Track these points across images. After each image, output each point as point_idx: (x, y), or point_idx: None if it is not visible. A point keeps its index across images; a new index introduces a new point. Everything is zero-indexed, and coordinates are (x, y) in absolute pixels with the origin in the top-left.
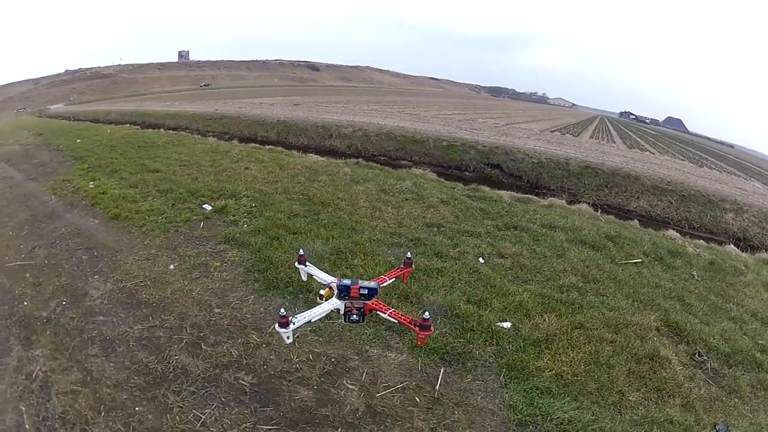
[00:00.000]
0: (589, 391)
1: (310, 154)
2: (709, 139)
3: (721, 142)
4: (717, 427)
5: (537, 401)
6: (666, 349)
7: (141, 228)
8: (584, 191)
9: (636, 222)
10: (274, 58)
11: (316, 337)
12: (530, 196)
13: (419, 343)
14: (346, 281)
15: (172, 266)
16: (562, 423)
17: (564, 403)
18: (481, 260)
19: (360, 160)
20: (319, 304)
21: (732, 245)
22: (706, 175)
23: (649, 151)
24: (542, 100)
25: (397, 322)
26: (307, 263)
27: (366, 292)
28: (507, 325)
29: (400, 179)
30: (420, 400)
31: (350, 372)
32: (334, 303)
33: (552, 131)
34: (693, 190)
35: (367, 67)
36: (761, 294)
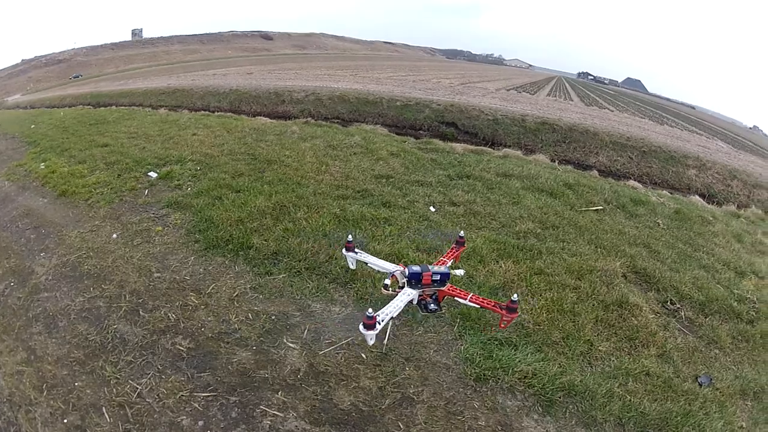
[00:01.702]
0: (554, 341)
1: (260, 117)
2: (669, 99)
3: (682, 103)
4: (699, 380)
5: (496, 353)
6: (635, 296)
7: (87, 201)
8: (541, 146)
9: (595, 173)
10: (228, 30)
11: (255, 295)
12: (484, 148)
13: (502, 326)
14: (416, 268)
15: (114, 235)
16: (525, 376)
17: (526, 355)
18: (432, 209)
19: (309, 119)
20: (390, 295)
21: (697, 196)
22: (667, 132)
23: (608, 109)
24: (498, 61)
25: (479, 307)
26: (357, 250)
27: (438, 278)
28: (460, 272)
29: (350, 135)
30: (366, 357)
31: (291, 329)
32: (409, 293)
33: (508, 90)
34: (654, 146)
35: (322, 33)
36: (732, 244)
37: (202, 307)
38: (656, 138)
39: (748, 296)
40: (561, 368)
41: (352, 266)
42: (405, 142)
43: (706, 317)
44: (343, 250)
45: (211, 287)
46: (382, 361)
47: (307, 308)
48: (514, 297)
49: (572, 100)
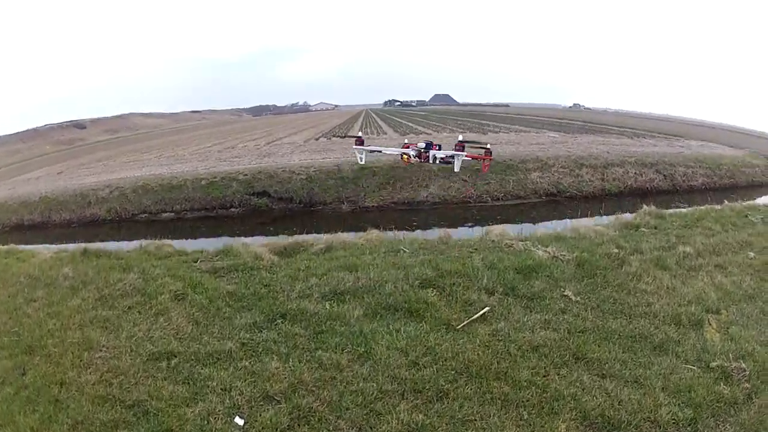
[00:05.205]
0: None
1: (45, 249)
2: (481, 105)
3: (495, 105)
4: None
5: None
6: None
7: None
8: (365, 195)
9: (454, 239)
10: (44, 123)
11: None
12: (300, 239)
13: (485, 170)
14: (423, 144)
15: None
16: None
17: None
18: (239, 421)
19: (87, 246)
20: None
21: (582, 219)
22: (493, 140)
23: (425, 133)
24: (304, 108)
25: (472, 159)
26: (365, 144)
27: (439, 147)
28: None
29: (126, 270)
30: None
31: None
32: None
33: (317, 138)
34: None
35: (131, 113)
36: (661, 281)
37: None
38: None
39: (732, 365)
40: None
41: (361, 161)
42: (196, 261)
43: None
44: (354, 146)
45: None
46: None
47: None
48: (488, 145)
49: (386, 134)
